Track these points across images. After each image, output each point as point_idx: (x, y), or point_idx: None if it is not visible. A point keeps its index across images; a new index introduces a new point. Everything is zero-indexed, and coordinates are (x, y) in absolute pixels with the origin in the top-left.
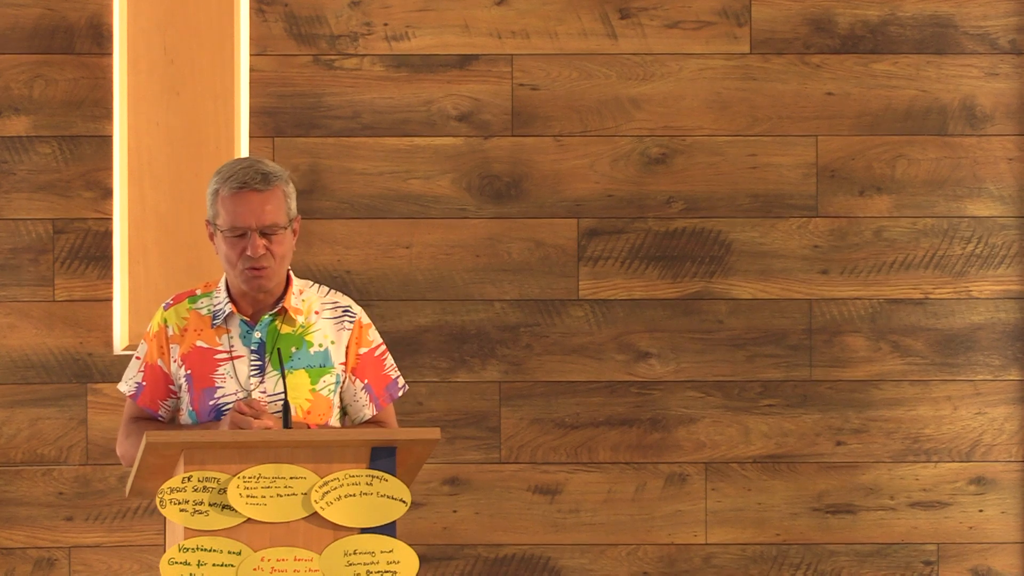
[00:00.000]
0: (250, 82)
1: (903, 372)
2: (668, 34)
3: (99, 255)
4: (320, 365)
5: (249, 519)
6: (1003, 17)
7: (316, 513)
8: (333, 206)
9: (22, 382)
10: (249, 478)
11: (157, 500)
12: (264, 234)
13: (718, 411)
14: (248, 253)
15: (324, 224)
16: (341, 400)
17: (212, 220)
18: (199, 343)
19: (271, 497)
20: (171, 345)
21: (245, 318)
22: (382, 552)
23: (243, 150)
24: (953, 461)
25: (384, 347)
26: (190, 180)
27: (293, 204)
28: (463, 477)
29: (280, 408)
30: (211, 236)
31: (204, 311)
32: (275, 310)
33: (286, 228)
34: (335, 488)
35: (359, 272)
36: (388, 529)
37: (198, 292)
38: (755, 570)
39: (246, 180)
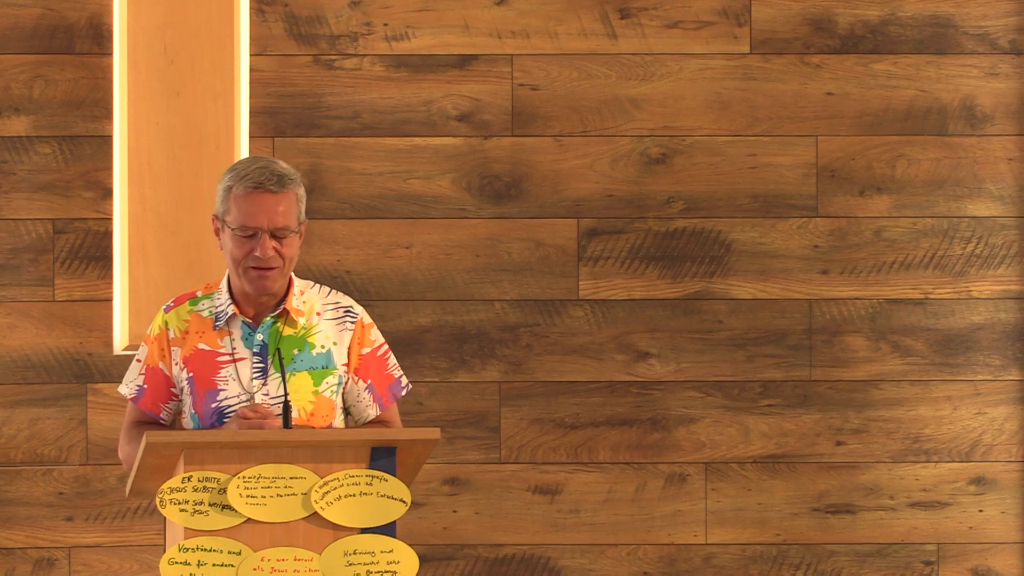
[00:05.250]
0: (250, 82)
1: (903, 372)
2: (668, 34)
3: (99, 255)
4: (323, 367)
5: (249, 519)
6: (1003, 17)
7: (316, 513)
8: (333, 206)
9: (22, 382)
10: (249, 478)
11: (157, 500)
12: (274, 236)
13: (718, 411)
14: (257, 254)
15: (324, 224)
16: (344, 401)
17: (221, 216)
18: (201, 345)
19: (271, 497)
20: (172, 348)
21: (247, 320)
22: (382, 552)
23: (243, 150)
24: (953, 461)
25: (386, 347)
26: (190, 180)
27: (303, 208)
28: (463, 477)
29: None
30: (217, 232)
31: (205, 313)
32: (276, 312)
33: (296, 232)
34: (335, 488)
35: (359, 272)
36: (388, 529)
37: (199, 294)
38: (755, 570)
39: (261, 181)
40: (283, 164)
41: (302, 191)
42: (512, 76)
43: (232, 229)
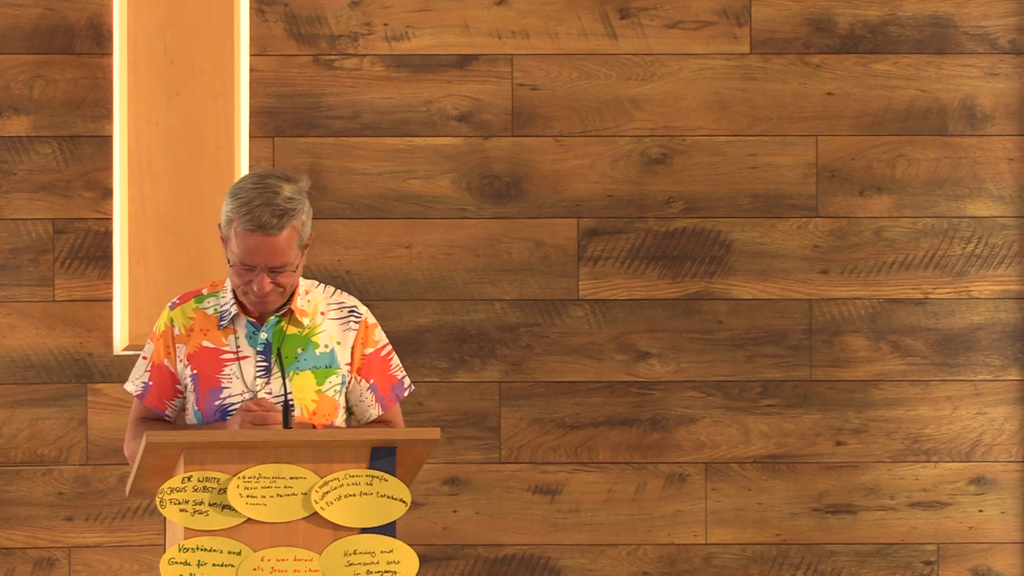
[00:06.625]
0: (250, 82)
1: (903, 372)
2: (668, 34)
3: (99, 255)
4: (326, 366)
5: (249, 519)
6: (1003, 17)
7: (316, 513)
8: (333, 206)
9: (22, 382)
10: (249, 478)
11: (157, 500)
12: (273, 271)
13: (718, 411)
14: (255, 288)
15: (324, 224)
16: (347, 400)
17: (224, 237)
18: (205, 343)
19: (271, 497)
20: (177, 345)
21: (251, 319)
22: (382, 552)
23: (243, 150)
24: (953, 461)
25: (390, 347)
26: (190, 180)
27: (307, 229)
28: (463, 477)
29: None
30: (223, 239)
31: (211, 311)
32: (281, 311)
33: (294, 267)
34: (335, 488)
35: (359, 272)
36: (388, 529)
37: (204, 292)
38: (755, 570)
39: (261, 223)
40: (286, 191)
41: (305, 215)
42: (512, 76)
43: (231, 261)
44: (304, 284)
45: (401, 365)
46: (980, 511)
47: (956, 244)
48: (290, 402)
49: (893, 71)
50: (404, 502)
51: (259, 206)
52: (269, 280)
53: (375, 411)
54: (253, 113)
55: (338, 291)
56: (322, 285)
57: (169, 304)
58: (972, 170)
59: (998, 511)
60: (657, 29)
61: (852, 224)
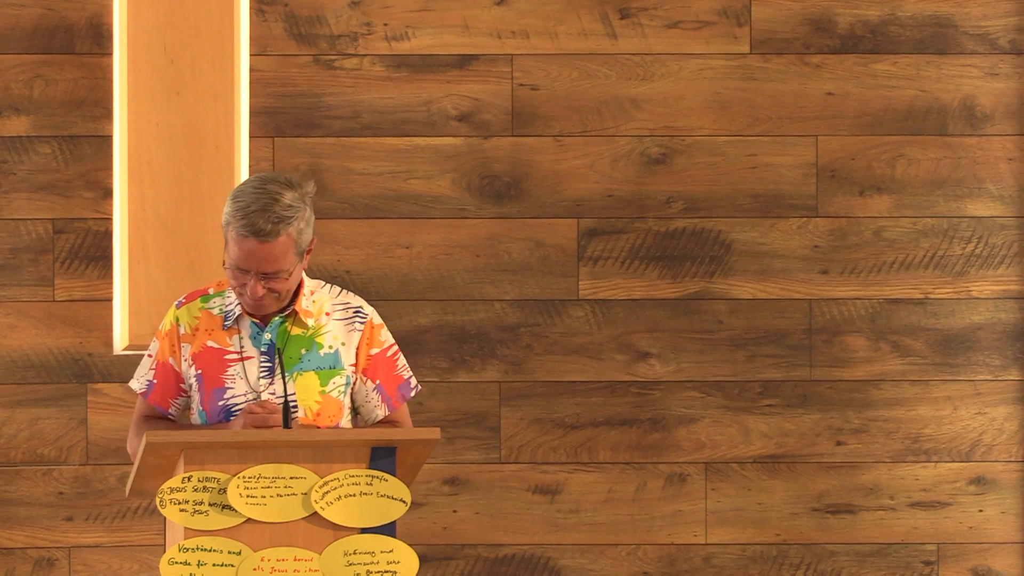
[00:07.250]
0: (250, 82)
1: (903, 372)
2: (668, 34)
3: (99, 255)
4: (330, 367)
5: (249, 519)
6: (1003, 17)
7: (316, 513)
8: (333, 206)
9: (22, 382)
10: (249, 478)
11: (157, 500)
12: (266, 276)
13: (718, 411)
14: (248, 293)
15: (324, 224)
16: (353, 401)
17: (224, 237)
18: (210, 343)
19: (271, 497)
20: (182, 344)
21: (255, 320)
22: (382, 552)
23: (243, 150)
24: (953, 461)
25: (396, 347)
26: (190, 180)
27: (306, 236)
28: (463, 477)
29: (292, 410)
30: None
31: (216, 311)
32: (285, 312)
33: (291, 271)
34: (335, 488)
35: (359, 272)
36: (388, 529)
37: (211, 291)
38: (755, 570)
39: (256, 229)
40: (286, 198)
41: (304, 223)
42: (512, 76)
43: (226, 264)
44: (309, 284)
45: (407, 365)
46: (980, 511)
47: (956, 244)
48: (291, 403)
49: (893, 71)
50: (404, 502)
51: (255, 211)
52: (262, 285)
53: (382, 411)
54: (253, 113)
55: (344, 291)
56: (328, 285)
57: (175, 303)
58: (972, 170)
59: (998, 511)
60: (657, 29)
61: (852, 224)
